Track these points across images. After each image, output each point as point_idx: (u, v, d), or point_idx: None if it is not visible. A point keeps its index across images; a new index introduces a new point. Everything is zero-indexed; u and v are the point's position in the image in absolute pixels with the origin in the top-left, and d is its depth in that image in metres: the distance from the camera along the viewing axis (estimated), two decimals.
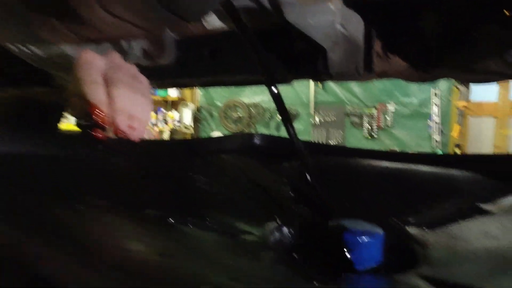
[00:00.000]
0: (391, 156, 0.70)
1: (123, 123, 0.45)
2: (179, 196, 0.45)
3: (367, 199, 0.60)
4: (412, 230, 0.54)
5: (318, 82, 4.03)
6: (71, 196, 0.28)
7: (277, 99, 0.40)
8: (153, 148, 0.65)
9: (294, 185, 0.68)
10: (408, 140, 3.95)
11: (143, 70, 0.83)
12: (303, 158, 0.44)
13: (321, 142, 4.22)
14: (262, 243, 0.47)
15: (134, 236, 0.20)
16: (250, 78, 0.86)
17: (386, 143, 4.03)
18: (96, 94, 0.43)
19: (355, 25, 0.49)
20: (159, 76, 0.82)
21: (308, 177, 0.47)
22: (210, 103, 4.67)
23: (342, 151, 0.74)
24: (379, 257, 0.50)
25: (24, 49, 0.58)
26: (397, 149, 3.95)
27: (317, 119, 4.24)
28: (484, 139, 3.75)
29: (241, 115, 4.51)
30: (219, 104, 4.61)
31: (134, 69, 0.46)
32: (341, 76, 0.59)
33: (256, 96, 4.42)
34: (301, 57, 0.62)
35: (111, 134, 0.46)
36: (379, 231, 0.51)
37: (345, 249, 0.49)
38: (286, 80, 0.87)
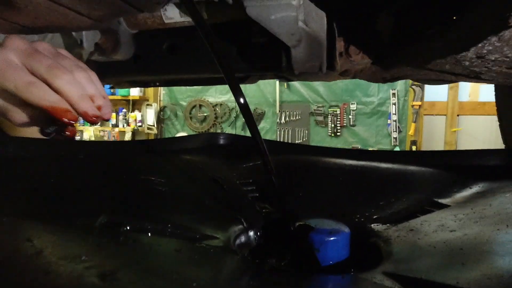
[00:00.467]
0: (353, 154, 0.72)
1: (89, 108, 0.40)
2: (136, 201, 0.42)
3: (331, 197, 0.60)
4: (376, 226, 0.55)
5: (284, 82, 4.09)
6: None
7: (238, 96, 0.38)
8: (108, 149, 0.60)
9: (259, 185, 0.67)
10: (369, 137, 4.14)
11: (98, 66, 0.78)
12: (265, 158, 0.42)
13: (285, 141, 4.28)
14: (226, 248, 0.45)
15: (73, 254, 0.17)
16: (213, 77, 0.83)
17: (349, 141, 4.19)
18: (42, 93, 0.37)
19: (318, 22, 0.49)
20: (115, 73, 0.77)
21: (272, 178, 0.46)
22: (174, 103, 4.55)
23: (305, 149, 0.74)
24: (346, 255, 0.50)
25: None
26: (359, 146, 4.13)
27: (282, 118, 4.29)
28: (436, 135, 4.02)
29: (206, 115, 4.44)
30: (183, 103, 4.50)
31: (47, 45, 0.38)
32: (305, 75, 0.59)
33: (221, 95, 4.38)
34: (264, 55, 0.61)
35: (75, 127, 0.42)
36: (345, 229, 0.51)
37: (311, 248, 0.48)
38: (250, 79, 0.86)
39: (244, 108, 0.39)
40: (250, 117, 0.40)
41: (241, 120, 4.39)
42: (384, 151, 0.74)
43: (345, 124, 4.17)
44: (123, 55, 0.70)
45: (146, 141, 0.73)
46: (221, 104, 4.39)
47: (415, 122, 3.93)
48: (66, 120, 0.38)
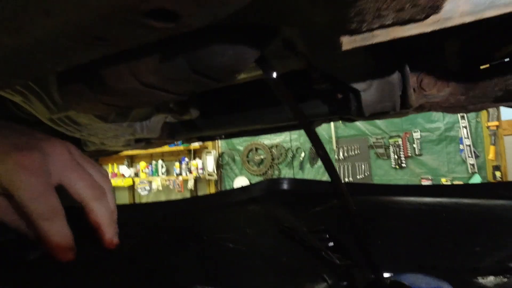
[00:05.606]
0: (432, 191, 0.64)
1: (114, 235, 0.35)
2: (222, 266, 0.41)
3: (414, 244, 0.53)
4: (482, 280, 0.47)
5: None
6: None
7: (315, 141, 0.37)
8: (178, 208, 0.62)
9: (331, 233, 0.63)
10: (440, 166, 3.77)
11: (171, 126, 0.85)
12: (348, 204, 0.39)
13: (346, 177, 4.09)
14: None
15: None
16: (276, 126, 0.84)
17: (416, 172, 3.86)
18: (59, 227, 0.31)
19: (389, 62, 0.47)
20: (186, 131, 0.82)
21: (355, 225, 0.42)
22: (231, 148, 4.72)
23: (375, 189, 0.68)
24: None
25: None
26: (429, 176, 3.77)
27: (340, 154, 4.16)
28: None
29: (263, 157, 4.50)
30: (240, 148, 4.65)
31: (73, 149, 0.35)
32: (376, 116, 0.56)
33: (276, 137, 4.44)
34: (330, 100, 0.60)
35: None
36: (447, 286, 0.44)
37: None
38: (315, 123, 0.85)
39: (321, 150, 0.38)
40: (328, 160, 0.38)
41: (298, 160, 4.35)
42: (470, 184, 0.65)
43: (409, 154, 3.88)
44: (192, 115, 0.75)
45: (210, 196, 0.75)
46: (276, 146, 4.44)
47: (494, 144, 3.50)
48: (63, 260, 0.31)
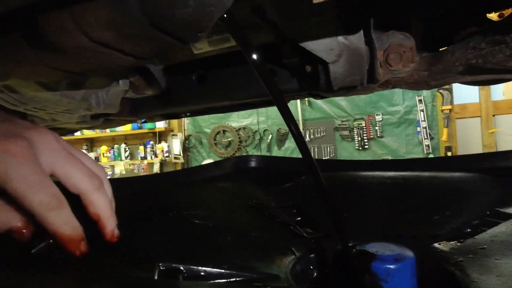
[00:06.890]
0: (393, 165, 0.67)
1: (115, 227, 0.33)
2: (187, 241, 0.40)
3: (378, 215, 0.55)
4: (439, 246, 0.50)
5: (306, 100, 4.07)
6: None
7: (288, 117, 0.36)
8: (144, 184, 0.59)
9: (299, 208, 0.64)
10: (399, 147, 3.99)
11: (132, 102, 0.79)
12: (318, 178, 0.39)
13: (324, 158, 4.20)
14: (283, 282, 0.41)
15: None
16: (243, 102, 0.82)
17: (378, 153, 4.05)
18: (67, 217, 0.29)
19: (357, 33, 0.47)
20: (148, 108, 0.78)
21: (325, 198, 0.42)
22: (198, 131, 4.63)
23: (339, 165, 0.70)
24: (415, 284, 0.45)
25: None
26: (389, 157, 3.98)
27: (307, 136, 4.24)
28: (472, 139, 3.81)
29: (230, 140, 4.48)
30: (207, 130, 4.57)
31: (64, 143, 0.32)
32: (344, 90, 0.56)
33: (243, 119, 4.42)
34: (299, 74, 0.59)
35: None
36: (410, 253, 0.46)
37: (376, 279, 0.44)
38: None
39: (294, 126, 0.37)
40: (299, 136, 0.38)
41: (265, 143, 4.37)
42: (428, 158, 0.69)
43: (372, 136, 4.06)
44: (155, 90, 0.71)
45: (177, 172, 0.72)
46: (244, 128, 4.42)
47: (447, 127, 3.75)
48: (77, 253, 0.29)
